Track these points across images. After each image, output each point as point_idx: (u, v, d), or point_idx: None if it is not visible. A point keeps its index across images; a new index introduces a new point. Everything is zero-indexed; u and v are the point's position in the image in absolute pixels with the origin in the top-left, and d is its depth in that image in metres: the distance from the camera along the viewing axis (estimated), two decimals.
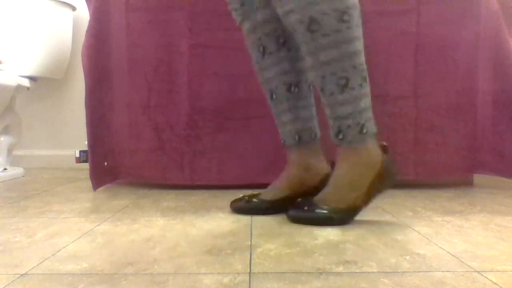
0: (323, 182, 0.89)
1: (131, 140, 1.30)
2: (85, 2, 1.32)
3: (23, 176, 1.62)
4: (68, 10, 1.75)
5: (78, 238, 0.77)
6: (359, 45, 0.81)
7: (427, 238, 0.76)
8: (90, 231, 0.81)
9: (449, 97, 1.27)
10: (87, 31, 1.24)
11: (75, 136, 1.86)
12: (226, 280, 0.57)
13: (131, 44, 1.27)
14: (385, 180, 0.84)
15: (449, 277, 0.57)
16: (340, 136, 0.83)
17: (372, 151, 0.84)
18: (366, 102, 0.83)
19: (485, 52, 1.28)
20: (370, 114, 0.84)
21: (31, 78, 1.68)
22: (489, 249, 0.70)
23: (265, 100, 1.27)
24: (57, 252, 0.69)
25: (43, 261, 0.65)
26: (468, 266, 0.62)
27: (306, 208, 0.86)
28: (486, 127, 1.30)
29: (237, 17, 0.97)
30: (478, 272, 0.59)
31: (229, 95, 1.27)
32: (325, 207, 0.84)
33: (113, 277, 0.58)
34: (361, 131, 0.82)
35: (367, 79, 0.83)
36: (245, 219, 0.91)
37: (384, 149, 0.85)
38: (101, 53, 1.26)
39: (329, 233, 0.79)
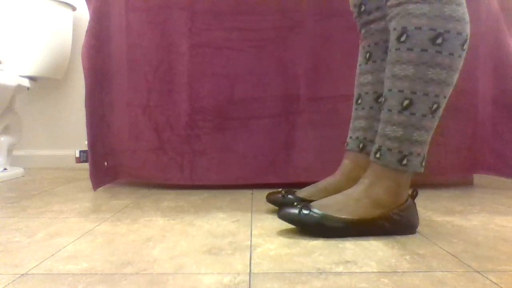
0: None
1: (131, 140, 1.30)
2: (85, 2, 1.32)
3: (23, 176, 1.62)
4: (68, 10, 1.75)
5: (78, 238, 0.77)
6: (443, 75, 0.74)
7: (427, 238, 0.76)
8: (90, 231, 0.81)
9: (449, 97, 1.27)
10: (87, 31, 1.24)
11: (75, 136, 1.86)
12: (226, 280, 0.57)
13: (131, 44, 1.27)
14: (397, 226, 0.78)
15: (449, 277, 0.57)
16: (378, 155, 0.78)
17: (402, 188, 0.78)
18: (423, 136, 0.75)
19: (485, 52, 1.28)
20: (420, 150, 0.76)
21: (31, 78, 1.68)
22: (489, 249, 0.70)
23: (265, 100, 1.28)
24: (57, 252, 0.69)
25: (43, 261, 0.65)
26: (468, 266, 0.62)
27: (299, 208, 0.78)
28: (486, 127, 1.30)
29: (358, 23, 0.96)
30: (478, 272, 0.59)
31: (229, 95, 1.27)
32: (318, 211, 0.77)
33: (113, 277, 0.58)
34: (400, 161, 0.76)
35: (437, 115, 0.76)
36: (245, 219, 0.91)
37: (413, 194, 0.80)
38: (101, 53, 1.26)
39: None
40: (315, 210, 0.77)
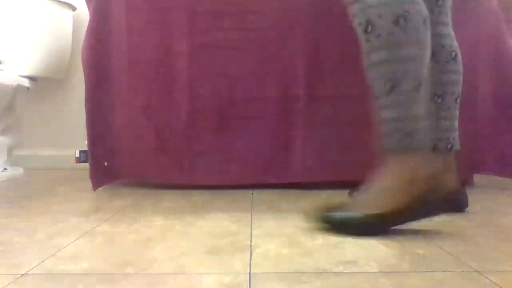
0: (449, 193, 0.89)
1: (131, 140, 1.30)
2: (85, 2, 1.32)
3: (23, 176, 1.62)
4: (68, 10, 1.75)
5: (78, 238, 0.77)
6: (415, 51, 0.78)
7: (427, 238, 0.76)
8: (90, 231, 0.81)
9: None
10: (87, 31, 1.24)
11: (75, 136, 1.86)
12: (226, 280, 0.57)
13: (131, 44, 1.27)
14: (432, 204, 0.78)
15: (449, 277, 0.57)
16: (384, 142, 0.80)
17: (421, 165, 0.78)
18: (418, 111, 0.78)
19: (485, 52, 1.28)
20: (422, 124, 0.78)
21: (31, 78, 1.68)
22: (489, 249, 0.70)
23: (265, 100, 1.28)
24: (57, 252, 0.69)
25: (43, 261, 0.65)
26: (468, 266, 0.62)
27: (336, 211, 0.81)
28: (486, 127, 1.30)
29: None
30: (478, 272, 0.59)
31: (229, 95, 1.27)
32: (355, 212, 0.79)
33: (113, 277, 0.58)
34: (406, 140, 0.77)
35: (422, 90, 0.78)
36: (245, 219, 0.91)
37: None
38: (101, 53, 1.26)
39: (329, 233, 0.79)
40: (352, 211, 0.80)
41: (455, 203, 0.94)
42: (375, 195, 0.80)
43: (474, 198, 1.13)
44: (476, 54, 1.28)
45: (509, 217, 0.91)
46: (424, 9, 0.79)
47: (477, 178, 1.39)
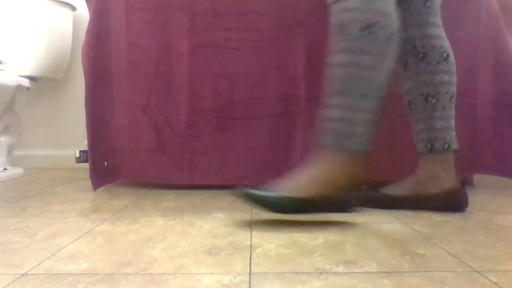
0: (448, 193, 0.96)
1: (131, 140, 1.30)
2: (85, 2, 1.32)
3: (23, 176, 1.62)
4: (68, 10, 1.75)
5: (78, 238, 0.77)
6: (375, 61, 0.83)
7: (427, 238, 0.76)
8: (90, 231, 0.81)
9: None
10: (87, 31, 1.24)
11: (75, 136, 1.86)
12: (226, 280, 0.57)
13: (131, 44, 1.27)
14: (345, 202, 0.86)
15: (449, 277, 0.57)
16: (323, 137, 0.86)
17: (348, 166, 0.85)
18: (361, 117, 0.84)
19: (485, 52, 1.28)
20: (361, 130, 0.85)
21: (31, 78, 1.68)
22: (489, 249, 0.70)
23: (265, 100, 1.28)
24: (57, 252, 0.69)
25: (43, 261, 0.65)
26: (468, 266, 0.62)
27: (260, 189, 0.84)
28: (486, 127, 1.30)
29: None
30: (478, 272, 0.59)
31: (229, 95, 1.27)
32: (276, 192, 0.83)
33: (113, 277, 0.58)
34: (343, 141, 0.84)
35: (370, 97, 0.84)
36: (245, 219, 0.91)
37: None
38: (101, 53, 1.26)
39: (329, 233, 0.79)
40: (273, 193, 0.83)
41: (454, 203, 0.96)
42: (300, 181, 0.85)
43: (474, 198, 1.13)
44: (476, 54, 1.28)
45: (509, 217, 0.91)
46: (394, 25, 0.83)
47: (477, 178, 1.39)
